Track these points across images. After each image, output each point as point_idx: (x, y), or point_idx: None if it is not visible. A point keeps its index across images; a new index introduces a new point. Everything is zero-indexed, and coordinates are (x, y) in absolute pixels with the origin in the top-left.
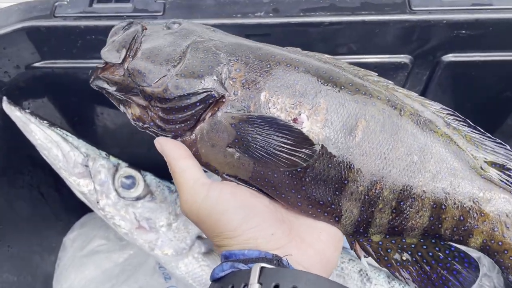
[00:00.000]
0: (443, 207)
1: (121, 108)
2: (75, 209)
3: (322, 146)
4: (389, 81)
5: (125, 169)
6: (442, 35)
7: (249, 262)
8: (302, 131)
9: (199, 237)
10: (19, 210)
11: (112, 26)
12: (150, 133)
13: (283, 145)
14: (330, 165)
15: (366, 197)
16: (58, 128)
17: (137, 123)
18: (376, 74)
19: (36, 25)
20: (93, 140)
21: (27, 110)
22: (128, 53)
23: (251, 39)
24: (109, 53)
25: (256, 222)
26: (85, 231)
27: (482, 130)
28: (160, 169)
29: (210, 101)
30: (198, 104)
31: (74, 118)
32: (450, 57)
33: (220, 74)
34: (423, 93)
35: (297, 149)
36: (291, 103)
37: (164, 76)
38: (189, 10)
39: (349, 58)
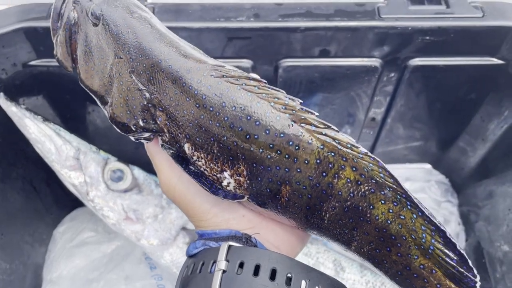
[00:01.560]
0: None
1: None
2: (65, 204)
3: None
4: (325, 124)
5: (114, 163)
6: (408, 41)
7: (219, 240)
8: (227, 189)
9: (183, 228)
10: (13, 201)
11: None
12: None
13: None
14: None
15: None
16: (52, 123)
17: None
18: (311, 114)
19: (34, 26)
20: (84, 136)
21: (22, 106)
22: (73, 55)
23: (234, 42)
24: (61, 61)
25: (227, 205)
26: (74, 224)
27: (423, 208)
28: (146, 165)
29: (149, 137)
30: (142, 137)
31: (66, 115)
32: (416, 61)
33: (148, 111)
34: (394, 94)
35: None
36: (212, 160)
37: (105, 104)
38: (176, 14)
39: (324, 60)
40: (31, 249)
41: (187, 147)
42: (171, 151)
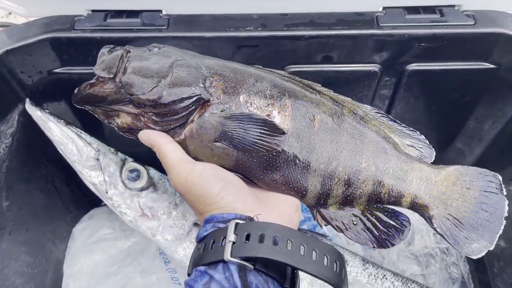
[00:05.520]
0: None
1: (106, 120)
2: (83, 204)
3: (291, 135)
4: (330, 90)
5: (131, 163)
6: (405, 47)
7: (227, 222)
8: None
9: (195, 224)
10: (36, 199)
11: (124, 38)
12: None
13: (260, 134)
14: (297, 149)
15: (326, 172)
16: (73, 126)
17: (124, 132)
18: (320, 85)
19: (58, 36)
20: (101, 140)
21: (46, 110)
22: (118, 69)
23: (243, 49)
24: (102, 69)
25: (232, 190)
26: (92, 222)
27: (398, 122)
28: (159, 166)
29: (199, 103)
30: (190, 106)
31: (85, 120)
32: (413, 66)
33: (205, 82)
34: (392, 98)
35: (271, 136)
36: (264, 103)
37: (156, 85)
38: (189, 24)
39: (327, 66)
40: (53, 245)
41: (242, 97)
42: (218, 113)
